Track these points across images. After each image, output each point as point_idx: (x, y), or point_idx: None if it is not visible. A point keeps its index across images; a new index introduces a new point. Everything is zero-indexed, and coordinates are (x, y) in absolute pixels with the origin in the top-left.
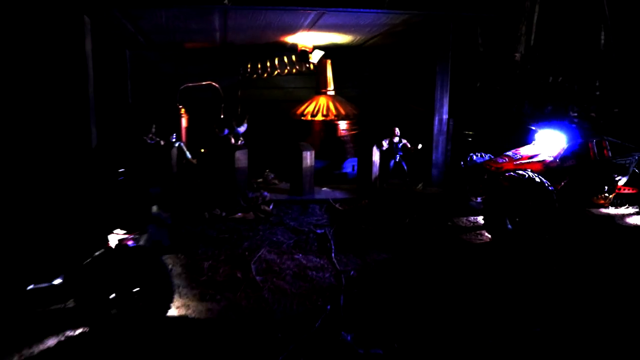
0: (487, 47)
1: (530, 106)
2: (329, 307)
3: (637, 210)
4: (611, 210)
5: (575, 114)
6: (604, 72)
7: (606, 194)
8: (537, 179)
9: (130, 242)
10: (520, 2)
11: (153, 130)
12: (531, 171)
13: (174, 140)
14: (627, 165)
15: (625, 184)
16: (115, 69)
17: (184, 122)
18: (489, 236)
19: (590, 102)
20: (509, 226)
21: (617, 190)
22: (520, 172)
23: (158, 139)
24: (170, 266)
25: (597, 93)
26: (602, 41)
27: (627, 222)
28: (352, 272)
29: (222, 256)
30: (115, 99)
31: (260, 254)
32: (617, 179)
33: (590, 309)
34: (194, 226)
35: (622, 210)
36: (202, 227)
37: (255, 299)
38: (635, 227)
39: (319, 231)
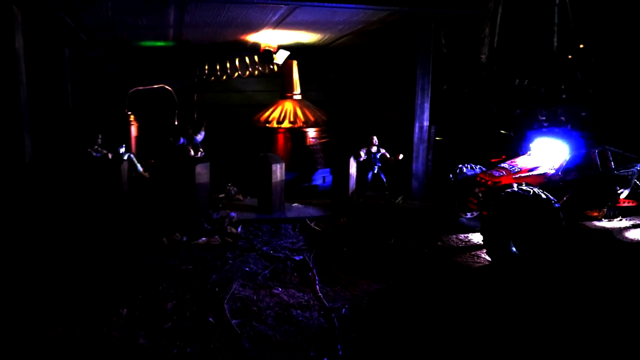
0: (451, 48)
1: (499, 109)
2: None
3: (632, 223)
4: (605, 224)
5: (544, 118)
6: (562, 75)
7: (607, 208)
8: (543, 196)
9: None
10: (485, 2)
11: (99, 140)
12: (535, 186)
13: (122, 151)
14: (630, 177)
15: (626, 197)
16: (52, 70)
17: (133, 130)
18: (487, 258)
19: (558, 105)
20: (513, 249)
21: (618, 204)
22: (525, 187)
23: (105, 151)
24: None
25: (564, 96)
26: (555, 44)
27: (627, 237)
28: (343, 310)
29: (187, 294)
30: (54, 105)
31: (232, 289)
32: (619, 191)
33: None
34: (151, 255)
35: (617, 224)
36: (162, 256)
37: (234, 352)
38: (637, 242)
39: (296, 257)
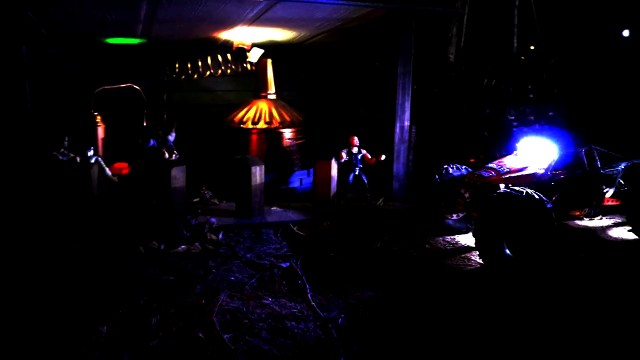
0: (419, 48)
1: (469, 109)
2: None
3: (614, 221)
4: (588, 223)
5: (513, 117)
6: (526, 75)
7: (594, 208)
8: (536, 196)
9: None
10: (452, 2)
11: (65, 143)
12: (525, 187)
13: (91, 154)
14: (615, 176)
15: (611, 196)
16: (8, 68)
17: (100, 132)
18: (478, 260)
19: (526, 105)
20: (507, 251)
21: (603, 203)
22: (517, 188)
23: (72, 155)
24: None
25: (531, 96)
26: (515, 45)
27: (611, 236)
28: (340, 320)
29: (172, 307)
30: (9, 106)
31: (220, 301)
32: (604, 190)
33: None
34: (128, 265)
35: (598, 222)
36: (139, 266)
37: None
38: (622, 241)
39: (283, 264)
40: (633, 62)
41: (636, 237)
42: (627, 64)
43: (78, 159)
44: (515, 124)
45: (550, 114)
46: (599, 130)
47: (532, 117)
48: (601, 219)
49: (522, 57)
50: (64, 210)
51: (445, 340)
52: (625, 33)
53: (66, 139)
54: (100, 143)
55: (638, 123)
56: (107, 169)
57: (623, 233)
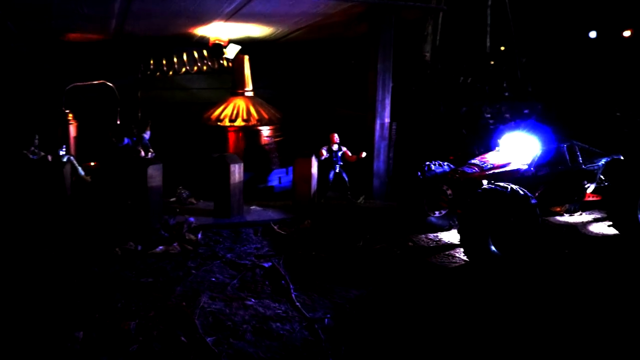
0: (395, 46)
1: (446, 107)
2: None
3: (593, 217)
4: (568, 219)
5: (489, 115)
6: (500, 74)
7: (575, 203)
8: (521, 192)
9: None
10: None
11: (36, 142)
12: (511, 183)
13: (63, 153)
14: (595, 171)
15: (592, 191)
16: None
17: (72, 130)
18: (463, 257)
19: (502, 102)
20: (492, 247)
21: (584, 198)
22: (502, 184)
23: (43, 153)
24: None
25: (507, 94)
26: (488, 44)
27: (592, 231)
28: (326, 321)
29: (151, 310)
30: None
31: (201, 303)
32: (586, 186)
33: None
34: (104, 267)
35: (578, 218)
36: (115, 268)
37: None
38: (604, 236)
39: (265, 264)
40: (599, 61)
41: (617, 232)
42: (594, 63)
43: (50, 158)
44: (491, 121)
45: (526, 111)
46: (573, 126)
47: (508, 115)
48: (581, 214)
49: (495, 56)
50: (36, 211)
51: (433, 339)
52: (592, 34)
53: (37, 137)
54: (72, 142)
55: (609, 119)
56: (79, 168)
57: (603, 228)
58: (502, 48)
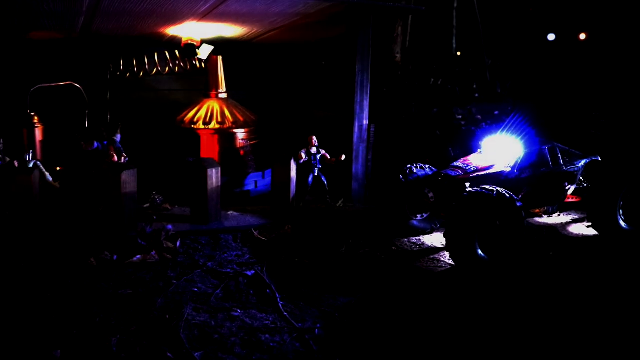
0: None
1: (417, 109)
2: None
3: (572, 218)
4: (547, 220)
5: (460, 117)
6: (468, 75)
7: (556, 204)
8: (507, 195)
9: None
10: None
11: (0, 146)
12: (495, 185)
13: (29, 158)
14: (575, 173)
15: (572, 193)
16: None
17: (38, 134)
18: (448, 261)
19: (472, 104)
20: (479, 251)
21: (565, 200)
22: (488, 187)
23: (8, 159)
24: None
25: (477, 95)
26: (454, 46)
27: (572, 232)
28: (317, 331)
29: (132, 325)
30: None
31: (185, 315)
32: (567, 187)
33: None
34: (79, 279)
35: (556, 219)
36: (91, 280)
37: None
38: (584, 237)
39: (248, 272)
40: (558, 63)
41: (596, 232)
42: (554, 65)
43: (16, 163)
44: (463, 122)
45: (496, 112)
46: (550, 127)
47: (479, 117)
48: (559, 215)
49: (462, 58)
50: (2, 220)
51: (426, 345)
52: (551, 37)
53: (1, 141)
54: (38, 146)
55: (576, 118)
56: (47, 174)
57: (582, 229)
58: (466, 50)
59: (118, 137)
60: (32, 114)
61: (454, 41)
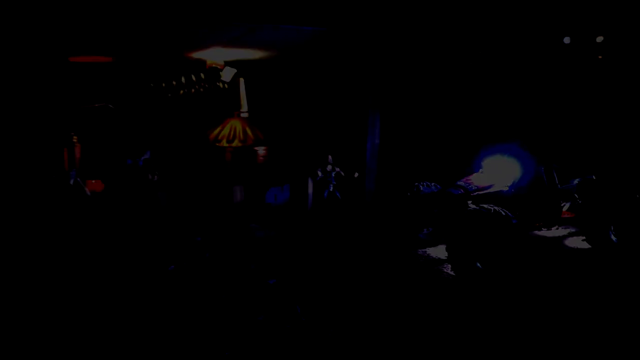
0: None
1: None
2: None
3: (568, 231)
4: (546, 232)
5: None
6: None
7: (552, 221)
8: (503, 213)
9: None
10: None
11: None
12: (494, 204)
13: (73, 176)
14: (571, 190)
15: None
16: None
17: (77, 152)
18: (451, 272)
19: None
20: (477, 264)
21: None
22: (486, 206)
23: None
24: None
25: None
26: None
27: (568, 245)
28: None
29: None
30: None
31: None
32: (562, 205)
33: None
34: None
35: (554, 232)
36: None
37: None
38: (579, 249)
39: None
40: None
41: (590, 246)
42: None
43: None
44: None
45: None
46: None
47: None
48: (557, 228)
49: None
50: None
51: (436, 351)
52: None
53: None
54: (77, 163)
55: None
56: (86, 189)
57: (578, 242)
58: None
59: (148, 154)
60: (72, 133)
61: None
